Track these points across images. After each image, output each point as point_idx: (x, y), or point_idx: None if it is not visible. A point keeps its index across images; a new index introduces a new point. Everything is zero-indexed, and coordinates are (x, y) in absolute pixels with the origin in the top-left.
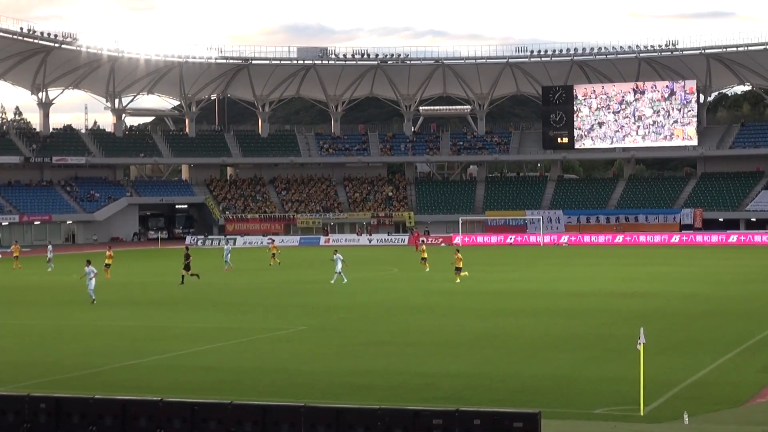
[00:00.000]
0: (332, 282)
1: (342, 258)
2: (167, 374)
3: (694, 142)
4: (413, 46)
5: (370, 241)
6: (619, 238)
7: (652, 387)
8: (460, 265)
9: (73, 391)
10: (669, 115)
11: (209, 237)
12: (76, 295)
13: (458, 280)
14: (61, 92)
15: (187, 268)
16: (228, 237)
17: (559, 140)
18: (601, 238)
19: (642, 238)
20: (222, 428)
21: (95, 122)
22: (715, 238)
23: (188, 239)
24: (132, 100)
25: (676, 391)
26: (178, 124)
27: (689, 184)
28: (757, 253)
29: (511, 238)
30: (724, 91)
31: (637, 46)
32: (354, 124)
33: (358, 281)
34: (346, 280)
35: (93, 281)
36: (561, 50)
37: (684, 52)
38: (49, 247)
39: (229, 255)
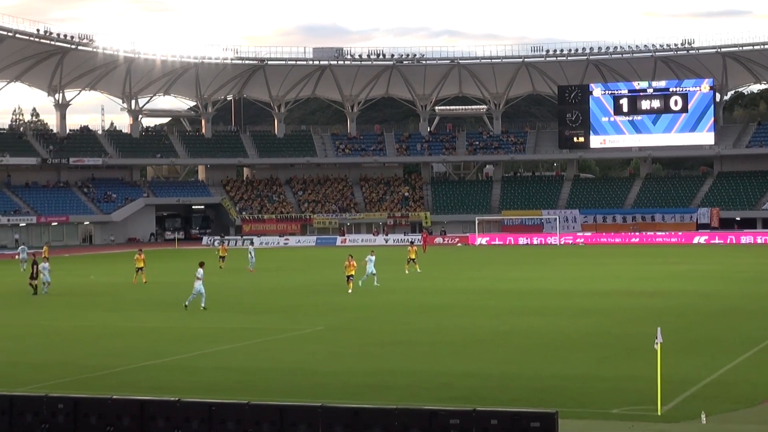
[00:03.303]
0: (376, 284)
1: (373, 259)
2: (185, 375)
3: (711, 141)
4: (429, 46)
5: (386, 241)
6: (636, 238)
7: (670, 386)
8: (352, 272)
9: (91, 392)
10: (685, 114)
11: (226, 237)
12: (92, 297)
13: (350, 290)
14: (78, 93)
15: (33, 277)
16: (245, 237)
17: (575, 139)
18: (618, 238)
19: (659, 238)
20: (240, 429)
21: (112, 123)
22: (732, 237)
23: (204, 240)
24: (148, 101)
25: (693, 390)
26: (194, 124)
27: (706, 184)
28: None
29: (527, 239)
30: (740, 89)
31: (653, 45)
32: (370, 125)
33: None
34: (361, 284)
35: (200, 283)
36: (576, 49)
37: (700, 51)
38: (23, 247)
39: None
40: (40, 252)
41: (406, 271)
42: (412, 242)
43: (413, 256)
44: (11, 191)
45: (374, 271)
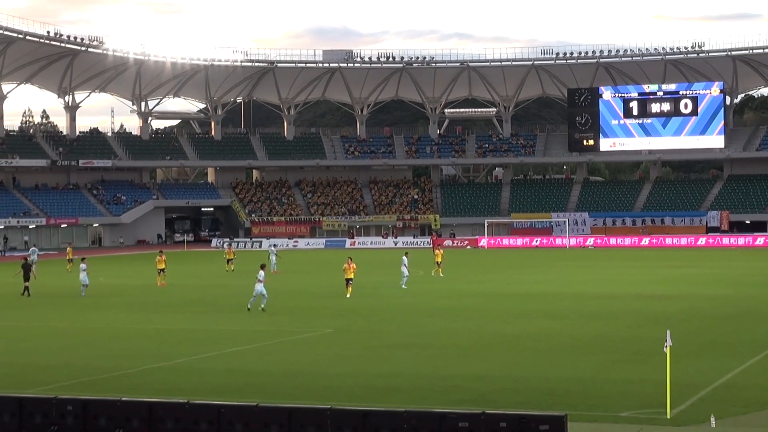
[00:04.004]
0: (404, 287)
1: (407, 260)
2: (193, 377)
3: (721, 145)
4: (439, 48)
5: (395, 244)
6: (646, 241)
7: (679, 390)
8: (351, 275)
9: (100, 394)
10: (695, 117)
11: (235, 240)
12: (102, 299)
13: (349, 294)
14: (88, 95)
15: (26, 278)
16: (254, 239)
17: (584, 142)
18: (627, 241)
19: (668, 241)
20: (248, 431)
21: (121, 125)
22: (741, 240)
23: (214, 242)
24: (158, 103)
25: (703, 393)
26: (203, 127)
27: (716, 187)
28: None
29: (536, 241)
30: (750, 92)
31: (663, 48)
32: (379, 127)
33: (384, 284)
34: (403, 286)
35: (261, 286)
36: (586, 52)
37: (710, 54)
38: (34, 249)
39: (275, 258)
40: (64, 253)
41: (441, 274)
42: (439, 245)
43: (439, 260)
44: (21, 193)
45: (407, 273)
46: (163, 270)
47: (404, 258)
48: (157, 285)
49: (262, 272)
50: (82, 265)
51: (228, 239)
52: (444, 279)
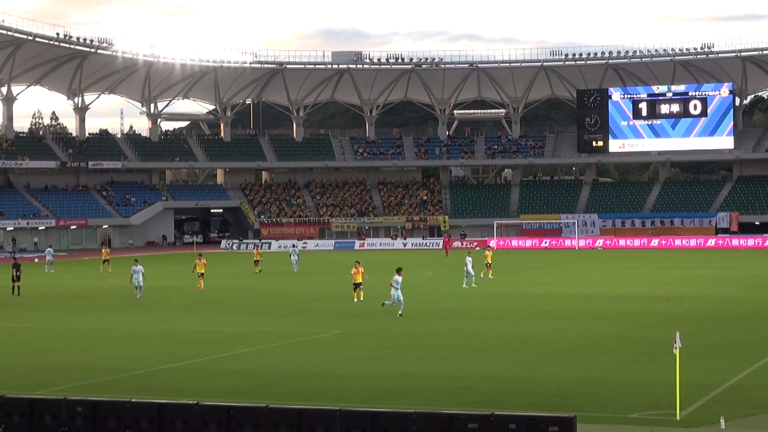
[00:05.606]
0: (465, 286)
1: (471, 260)
2: (203, 378)
3: (730, 146)
4: (448, 50)
5: (404, 245)
6: (655, 242)
7: (689, 391)
8: (359, 279)
9: (110, 395)
10: (704, 118)
11: (244, 241)
12: (112, 299)
13: (357, 299)
14: (97, 97)
15: (17, 279)
16: (263, 240)
17: (594, 143)
18: (637, 242)
19: (678, 242)
20: None
21: (131, 127)
22: (751, 241)
23: (223, 243)
24: (167, 105)
25: (712, 395)
26: (213, 128)
27: (725, 188)
28: None
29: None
30: (760, 93)
31: (672, 48)
32: (388, 128)
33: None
34: (473, 285)
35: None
36: (595, 53)
37: (719, 55)
38: (49, 249)
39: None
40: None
41: (490, 276)
42: (489, 246)
43: (490, 261)
44: (31, 194)
45: (472, 273)
46: (202, 274)
47: (468, 258)
48: (199, 288)
49: (399, 277)
50: (139, 267)
51: (237, 240)
52: (452, 281)
